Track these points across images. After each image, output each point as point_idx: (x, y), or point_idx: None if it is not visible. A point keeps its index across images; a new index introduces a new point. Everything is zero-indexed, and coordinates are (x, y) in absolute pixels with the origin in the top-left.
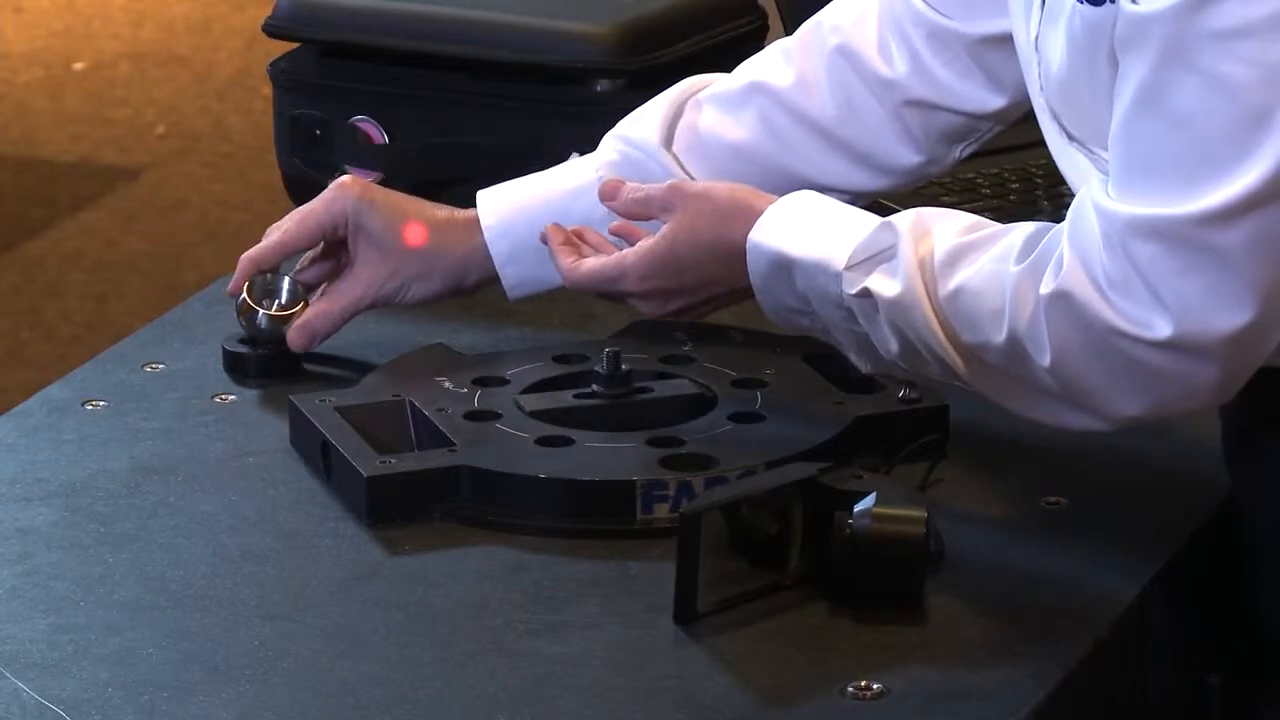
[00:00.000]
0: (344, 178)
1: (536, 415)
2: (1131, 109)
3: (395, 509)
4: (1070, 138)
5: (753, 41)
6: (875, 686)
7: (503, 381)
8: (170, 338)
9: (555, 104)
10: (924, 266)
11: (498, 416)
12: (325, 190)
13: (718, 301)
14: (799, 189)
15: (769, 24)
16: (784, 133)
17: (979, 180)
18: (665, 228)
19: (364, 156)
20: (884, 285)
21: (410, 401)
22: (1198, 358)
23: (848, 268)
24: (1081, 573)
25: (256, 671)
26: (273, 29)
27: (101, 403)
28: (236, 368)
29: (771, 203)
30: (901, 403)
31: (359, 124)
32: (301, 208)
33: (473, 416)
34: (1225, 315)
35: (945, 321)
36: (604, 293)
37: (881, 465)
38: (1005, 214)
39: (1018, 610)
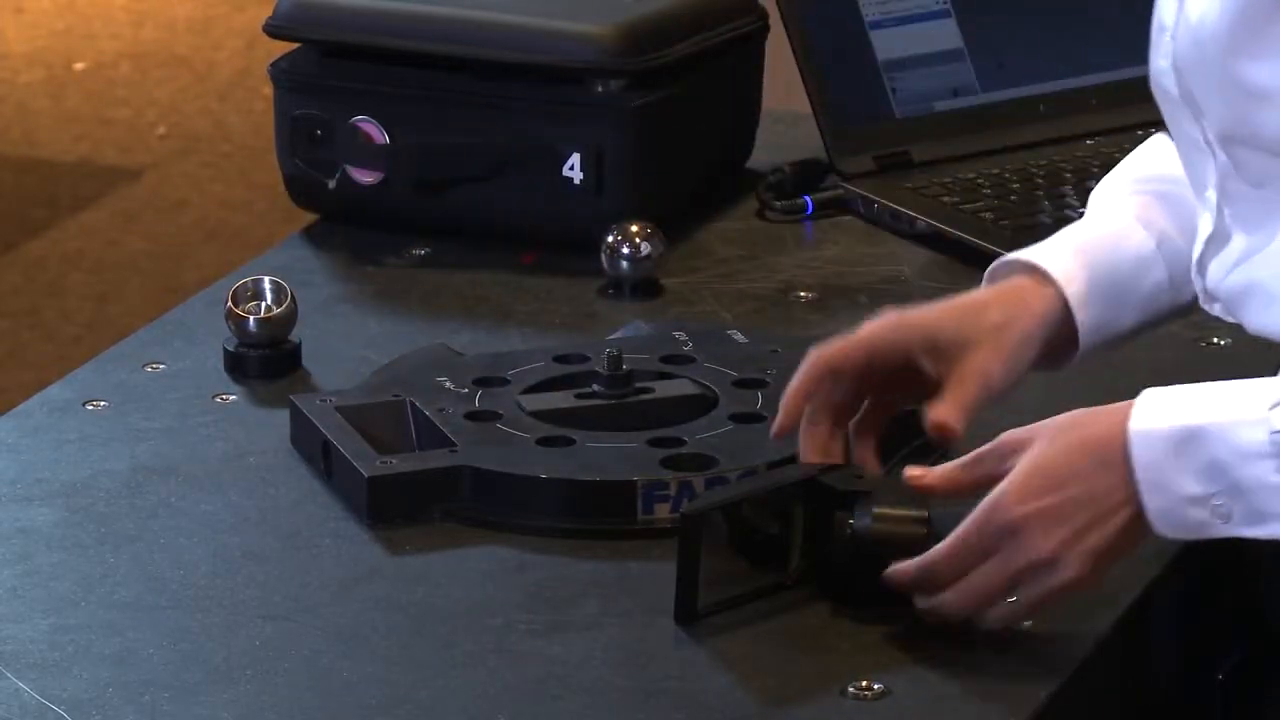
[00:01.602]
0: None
1: (537, 415)
2: None
3: (396, 509)
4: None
5: (753, 42)
6: (876, 686)
7: (504, 381)
8: (170, 338)
9: (555, 104)
10: None
11: (499, 416)
12: (864, 329)
13: (1093, 532)
14: None
15: (769, 24)
16: None
17: (979, 180)
18: (1020, 460)
19: (364, 156)
20: None
21: (411, 401)
22: None
23: (1276, 405)
24: None
25: (257, 672)
26: (274, 29)
27: (102, 403)
28: (237, 368)
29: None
30: None
31: (359, 124)
32: (862, 336)
33: (473, 416)
34: None
35: None
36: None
37: (882, 465)
38: (1005, 214)
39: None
